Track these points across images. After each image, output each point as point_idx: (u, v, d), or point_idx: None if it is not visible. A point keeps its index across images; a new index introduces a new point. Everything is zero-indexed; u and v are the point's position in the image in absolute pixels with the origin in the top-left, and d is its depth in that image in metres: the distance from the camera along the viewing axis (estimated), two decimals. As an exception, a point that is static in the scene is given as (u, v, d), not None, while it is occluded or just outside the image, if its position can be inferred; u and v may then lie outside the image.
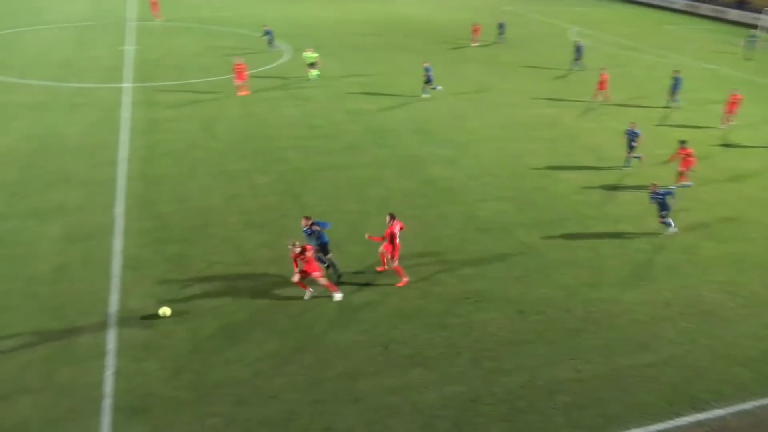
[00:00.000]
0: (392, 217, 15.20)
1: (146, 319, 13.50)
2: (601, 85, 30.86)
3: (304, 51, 33.86)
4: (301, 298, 14.46)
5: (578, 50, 38.11)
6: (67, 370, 11.90)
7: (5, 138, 22.87)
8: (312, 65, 33.32)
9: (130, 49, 38.13)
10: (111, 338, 12.85)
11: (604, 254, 17.15)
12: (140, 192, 19.34)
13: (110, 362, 12.20)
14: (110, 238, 16.64)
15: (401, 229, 15.27)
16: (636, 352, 13.23)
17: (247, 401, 11.45)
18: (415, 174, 21.79)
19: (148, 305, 13.93)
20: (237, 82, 29.64)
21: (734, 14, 63.27)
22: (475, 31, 44.51)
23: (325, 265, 15.19)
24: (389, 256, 15.17)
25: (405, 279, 15.32)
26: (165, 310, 13.46)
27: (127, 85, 30.52)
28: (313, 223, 14.96)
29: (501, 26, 45.99)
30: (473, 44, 44.26)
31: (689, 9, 70.51)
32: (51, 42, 39.00)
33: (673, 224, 18.01)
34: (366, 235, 15.58)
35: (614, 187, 21.36)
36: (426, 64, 30.89)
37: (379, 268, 15.75)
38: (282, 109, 28.22)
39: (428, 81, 30.54)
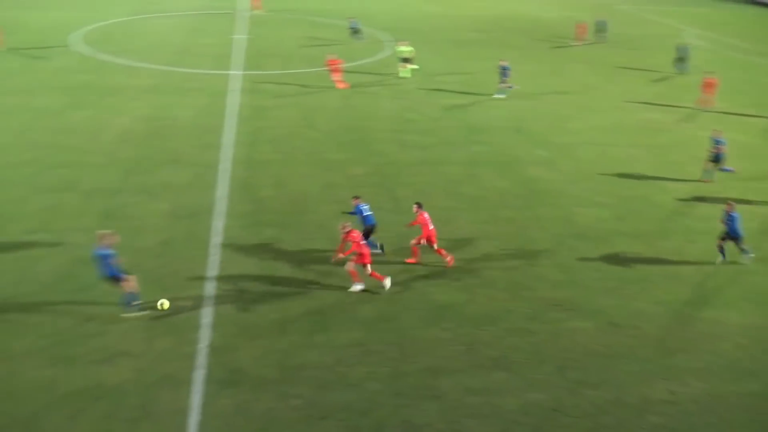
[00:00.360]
0: (419, 206, 15.64)
1: (240, 298, 14.05)
2: (707, 90, 28.93)
3: (397, 45, 33.08)
4: (384, 289, 14.55)
5: (682, 51, 35.91)
6: (165, 339, 12.59)
7: (124, 118, 24.45)
8: (406, 60, 31.91)
9: (240, 38, 39.71)
10: (207, 313, 13.47)
11: (709, 272, 16.12)
12: (241, 176, 20.13)
13: (205, 335, 12.80)
14: (211, 217, 17.43)
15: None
16: (738, 380, 12.34)
17: (329, 386, 11.68)
18: (511, 174, 21.38)
19: (243, 285, 14.50)
20: (333, 77, 29.92)
21: None
22: (580, 29, 43.03)
23: (379, 251, 15.68)
24: (424, 241, 15.51)
25: (449, 258, 15.72)
26: (164, 303, 13.31)
27: (235, 72, 31.83)
28: (357, 205, 15.73)
29: (601, 24, 44.11)
30: (576, 43, 42.79)
31: (825, 13, 64.67)
32: (168, 29, 41.29)
33: (748, 252, 16.45)
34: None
35: (724, 200, 20.00)
36: (503, 62, 29.78)
37: (408, 260, 15.83)
38: (380, 102, 28.48)
39: (504, 80, 29.52)
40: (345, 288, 14.60)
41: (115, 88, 28.00)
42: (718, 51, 42.38)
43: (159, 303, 13.32)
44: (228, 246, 16.07)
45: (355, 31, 39.77)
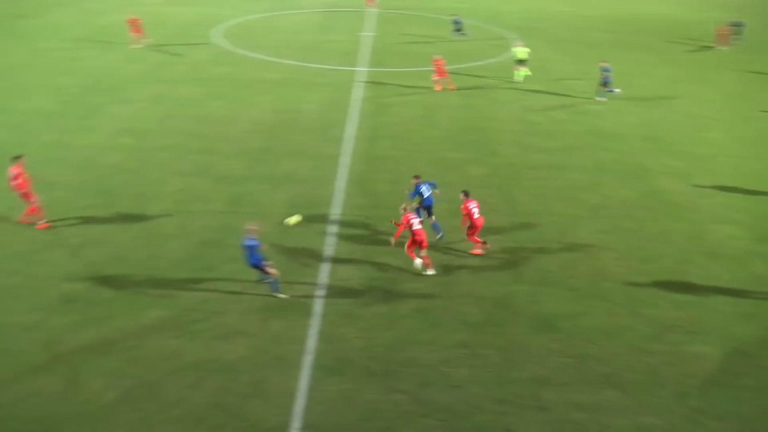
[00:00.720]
0: (466, 195, 15.80)
1: (351, 289, 14.37)
2: None
3: (513, 45, 31.26)
4: (503, 295, 14.30)
5: None
6: (279, 322, 13.15)
7: (254, 110, 25.74)
8: (521, 62, 30.18)
9: (367, 35, 40.52)
10: (318, 301, 13.91)
11: None
12: (360, 170, 20.55)
13: (315, 322, 13.22)
14: (329, 209, 17.94)
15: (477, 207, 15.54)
16: None
17: (432, 385, 11.67)
18: (638, 183, 20.25)
19: (354, 276, 14.82)
20: (435, 78, 29.19)
21: None
22: (721, 32, 39.82)
23: (438, 236, 16.07)
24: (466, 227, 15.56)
25: (479, 250, 15.71)
26: (290, 219, 14.90)
27: (360, 69, 32.52)
28: (417, 184, 16.21)
29: (737, 25, 40.46)
30: (720, 47, 39.65)
31: None
32: (300, 25, 42.92)
33: None
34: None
35: None
36: (604, 64, 28.09)
37: (473, 251, 15.80)
38: (502, 102, 27.97)
39: (605, 83, 27.81)
40: (454, 288, 14.52)
41: (249, 81, 29.54)
42: None
43: (287, 220, 15.00)
44: (342, 238, 16.47)
45: (457, 29, 39.00)
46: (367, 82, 30.23)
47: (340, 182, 19.62)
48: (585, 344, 12.88)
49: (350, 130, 23.93)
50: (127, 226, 16.53)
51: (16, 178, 15.95)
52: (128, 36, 34.61)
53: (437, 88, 29.18)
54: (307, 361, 12.14)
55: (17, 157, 16.43)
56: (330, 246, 16.09)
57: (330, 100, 27.38)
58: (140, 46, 34.38)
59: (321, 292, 14.20)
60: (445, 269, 15.25)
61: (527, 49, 30.51)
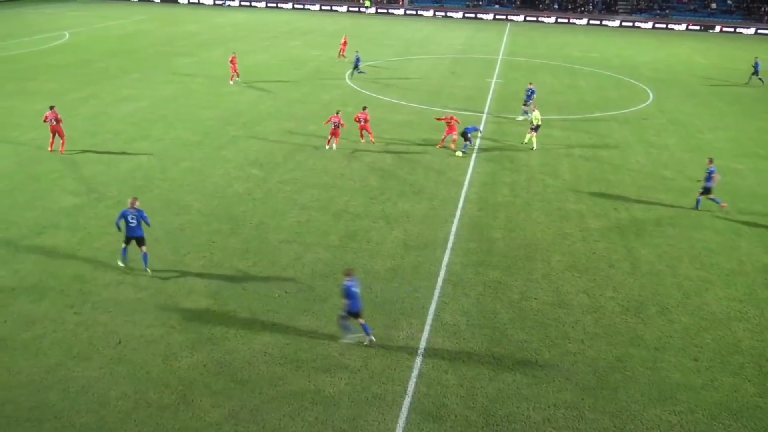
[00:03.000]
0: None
1: (457, 334, 14.13)
2: None
3: (532, 109, 27.70)
4: (617, 358, 13.46)
5: None
6: (381, 360, 13.16)
7: (375, 150, 26.44)
8: (536, 128, 26.87)
9: (494, 81, 40.63)
10: (422, 343, 13.79)
11: None
12: (475, 214, 20.38)
13: (417, 364, 13.09)
14: (441, 251, 17.89)
15: None
16: None
17: (533, 445, 11.11)
18: (780, 250, 18.49)
19: (460, 321, 14.58)
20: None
21: None
22: None
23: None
24: None
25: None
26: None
27: (484, 114, 32.56)
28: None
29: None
30: None
31: None
32: (429, 70, 43.89)
33: None
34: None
35: None
36: (531, 86, 31.49)
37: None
38: (631, 155, 26.80)
39: (526, 102, 30.76)
40: (564, 345, 13.85)
41: (373, 121, 30.48)
42: None
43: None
44: (450, 281, 16.32)
45: (526, 101, 32.27)
46: (489, 127, 30.18)
47: (455, 225, 19.55)
48: (708, 421, 11.76)
49: (469, 174, 23.88)
50: (248, 253, 17.39)
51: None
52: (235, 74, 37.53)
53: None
54: (406, 403, 12.00)
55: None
56: (438, 288, 15.98)
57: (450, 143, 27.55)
58: (233, 83, 37.38)
59: (426, 335, 14.08)
60: (558, 322, 14.62)
61: (539, 114, 27.17)
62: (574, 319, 14.85)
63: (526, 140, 27.56)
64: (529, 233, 19.18)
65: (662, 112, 34.14)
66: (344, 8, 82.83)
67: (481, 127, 29.77)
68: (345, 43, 46.77)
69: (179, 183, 21.93)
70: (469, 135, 26.02)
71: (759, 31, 70.59)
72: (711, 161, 21.18)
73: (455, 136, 26.11)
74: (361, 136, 27.09)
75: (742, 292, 16.23)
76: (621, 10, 79.58)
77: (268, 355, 13.19)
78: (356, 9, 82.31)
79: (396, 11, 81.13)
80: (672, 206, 21.47)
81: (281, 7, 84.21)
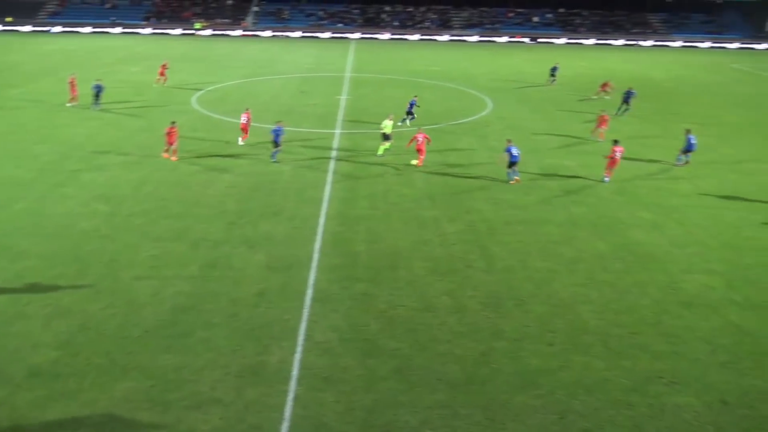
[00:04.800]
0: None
1: (328, 351, 14.13)
2: None
3: (386, 120, 28.60)
4: (482, 353, 14.16)
5: None
6: (254, 389, 12.82)
7: (229, 174, 25.84)
8: (387, 137, 28.17)
9: (344, 98, 41.37)
10: (295, 365, 13.64)
11: (839, 350, 14.51)
12: (337, 230, 20.56)
13: (292, 387, 12.92)
14: (306, 270, 17.83)
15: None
16: None
17: (412, 449, 11.36)
18: (612, 236, 20.51)
19: (331, 338, 14.60)
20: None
21: None
22: (604, 86, 42.25)
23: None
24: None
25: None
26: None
27: (337, 131, 33.03)
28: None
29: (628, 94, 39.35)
30: (594, 96, 42.60)
31: None
32: (279, 90, 43.75)
33: None
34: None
35: None
36: (413, 98, 34.88)
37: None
38: (477, 160, 28.46)
39: (408, 112, 34.25)
40: (433, 346, 14.34)
41: (225, 145, 29.80)
42: None
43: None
44: (318, 299, 16.31)
45: (408, 112, 35.01)
46: (343, 143, 30.65)
47: (318, 243, 19.58)
48: (567, 400, 12.72)
49: (328, 191, 24.06)
50: (99, 294, 16.22)
51: None
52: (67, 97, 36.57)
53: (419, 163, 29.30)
54: (284, 428, 11.79)
55: None
56: (307, 308, 15.90)
57: (307, 161, 27.64)
58: (71, 105, 36.75)
59: (299, 356, 13.94)
60: (425, 326, 15.11)
61: (391, 123, 28.77)
62: (440, 321, 15.43)
63: (378, 153, 28.47)
64: (391, 243, 19.70)
65: (500, 119, 36.65)
66: (178, 31, 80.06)
67: (335, 144, 30.16)
68: (165, 67, 45.05)
69: (14, 226, 19.97)
70: (279, 141, 27.05)
71: (569, 41, 78.74)
72: (509, 141, 25.76)
73: None
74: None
75: (584, 277, 17.78)
76: (455, 26, 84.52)
77: (131, 402, 12.35)
78: (191, 32, 79.85)
79: (232, 33, 79.63)
80: (517, 206, 23.05)
81: (109, 32, 79.61)
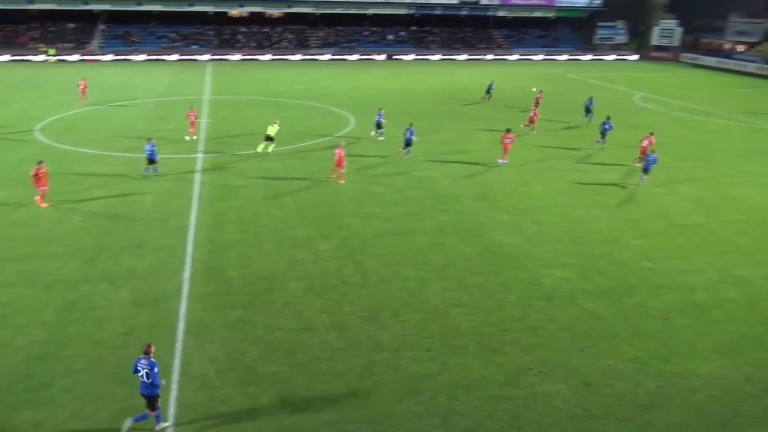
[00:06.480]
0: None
1: (207, 384, 13.61)
2: (642, 149, 31.23)
3: (272, 124, 32.24)
4: (364, 366, 14.29)
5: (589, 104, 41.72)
6: (128, 434, 12.04)
7: (86, 206, 24.18)
8: (269, 139, 31.70)
9: (204, 121, 40.20)
10: (172, 403, 12.99)
11: (677, 325, 16.29)
12: (206, 258, 19.90)
13: (170, 429, 12.28)
14: (176, 303, 17.07)
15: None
16: (715, 432, 12.29)
17: (302, 472, 11.22)
18: (476, 240, 21.60)
19: (208, 370, 14.08)
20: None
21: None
22: (538, 100, 45.22)
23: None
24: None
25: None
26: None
27: (199, 155, 32.02)
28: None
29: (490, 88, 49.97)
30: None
31: (762, 72, 68.84)
32: (134, 116, 41.64)
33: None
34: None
35: (685, 257, 20.53)
36: (380, 110, 36.52)
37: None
38: (346, 176, 28.81)
39: (378, 125, 35.66)
40: (315, 366, 14.28)
41: (77, 177, 27.86)
42: (666, 113, 44.31)
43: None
44: (191, 331, 15.68)
45: (377, 124, 36.65)
46: (207, 167, 29.78)
47: (187, 273, 18.83)
48: (448, 402, 13.19)
49: (193, 218, 23.23)
50: (-62, 353, 14.49)
51: None
52: None
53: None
54: (164, 471, 11.17)
55: None
56: (180, 341, 15.22)
57: (169, 189, 26.51)
58: None
59: (175, 394, 13.29)
60: (305, 346, 15.01)
61: (277, 127, 32.07)
62: (320, 340, 15.40)
63: (259, 150, 31.54)
64: (264, 266, 19.39)
65: (366, 134, 37.36)
66: (6, 57, 73.38)
67: (198, 167, 29.25)
68: (85, 86, 46.63)
69: None
70: (156, 158, 27.52)
71: (418, 57, 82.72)
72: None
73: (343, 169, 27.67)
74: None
75: (454, 281, 18.56)
76: (313, 45, 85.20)
77: (-15, 467, 11.16)
78: (25, 58, 73.55)
79: (69, 57, 74.16)
80: (386, 218, 23.60)
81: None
